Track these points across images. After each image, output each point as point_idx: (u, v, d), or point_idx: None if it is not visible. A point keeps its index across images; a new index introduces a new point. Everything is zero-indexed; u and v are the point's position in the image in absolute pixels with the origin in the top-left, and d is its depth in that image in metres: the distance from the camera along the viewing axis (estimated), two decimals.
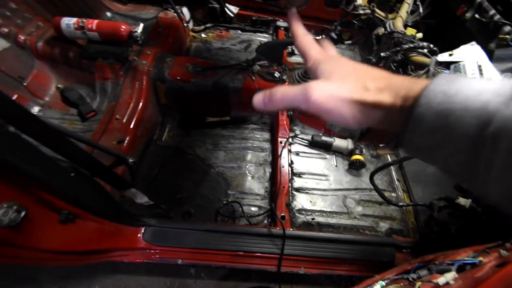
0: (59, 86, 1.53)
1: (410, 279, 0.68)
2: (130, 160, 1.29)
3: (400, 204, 1.13)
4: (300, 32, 0.42)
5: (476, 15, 1.21)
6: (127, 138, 1.36)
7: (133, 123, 1.40)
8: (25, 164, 0.63)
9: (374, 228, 1.29)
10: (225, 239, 1.15)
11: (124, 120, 1.40)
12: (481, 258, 0.62)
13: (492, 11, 1.15)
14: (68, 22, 1.37)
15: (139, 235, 1.13)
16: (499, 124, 0.22)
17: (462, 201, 0.95)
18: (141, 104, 1.46)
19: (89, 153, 0.89)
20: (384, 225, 1.30)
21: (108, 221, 1.01)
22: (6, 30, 1.35)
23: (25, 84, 1.42)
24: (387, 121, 0.31)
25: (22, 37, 1.40)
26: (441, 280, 0.59)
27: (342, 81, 0.33)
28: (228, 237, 1.15)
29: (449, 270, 0.64)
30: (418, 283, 0.61)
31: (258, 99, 0.37)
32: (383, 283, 0.68)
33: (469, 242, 0.81)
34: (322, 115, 0.33)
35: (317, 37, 0.42)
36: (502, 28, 1.08)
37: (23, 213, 0.68)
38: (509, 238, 0.69)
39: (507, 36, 1.03)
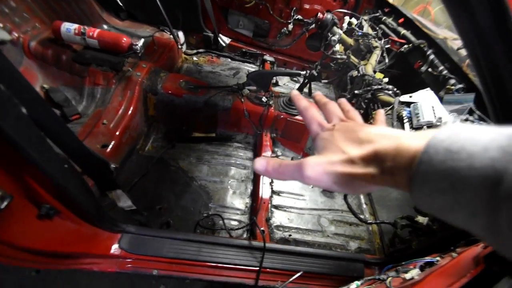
0: (45, 86, 1.50)
1: (381, 279, 0.76)
2: (112, 165, 1.28)
3: (369, 221, 1.25)
4: (303, 106, 0.44)
5: (429, 69, 1.50)
6: (112, 143, 1.35)
7: (119, 129, 1.41)
8: (28, 146, 0.64)
9: (345, 246, 1.38)
10: (204, 250, 1.15)
11: (111, 126, 1.40)
12: (438, 258, 0.73)
13: (441, 67, 1.43)
14: (69, 27, 1.41)
15: (115, 242, 1.09)
16: (511, 184, 0.20)
17: (420, 219, 1.09)
18: (130, 111, 1.48)
19: (86, 148, 0.90)
20: (353, 244, 1.39)
21: (87, 223, 0.98)
22: (1, 25, 1.34)
23: None
24: (386, 184, 0.30)
25: (16, 34, 1.40)
26: (408, 276, 0.69)
27: (330, 157, 0.34)
28: (208, 247, 1.15)
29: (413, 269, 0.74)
30: (389, 279, 0.69)
31: (261, 164, 0.38)
32: (358, 283, 0.76)
33: (427, 255, 0.94)
34: (319, 187, 0.37)
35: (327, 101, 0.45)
36: (449, 80, 1.36)
37: (7, 201, 0.66)
38: (458, 245, 0.82)
39: (453, 87, 1.29)
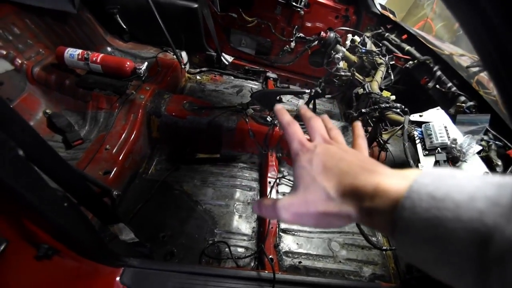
0: (47, 111, 1.49)
1: None
2: (115, 192, 1.23)
3: (383, 248, 1.19)
4: (286, 121, 0.40)
5: (437, 86, 1.47)
6: (115, 169, 1.32)
7: (122, 154, 1.38)
8: (25, 190, 0.60)
9: (358, 273, 1.31)
10: (211, 283, 1.09)
11: (114, 151, 1.37)
12: None
13: (450, 84, 1.40)
14: (73, 52, 1.41)
15: (117, 277, 1.04)
16: (503, 245, 0.18)
17: None
18: (133, 135, 1.45)
19: (84, 180, 0.86)
20: (367, 270, 1.32)
21: (87, 259, 0.93)
22: (4, 52, 1.35)
23: (11, 106, 1.37)
24: (363, 224, 0.30)
25: (19, 61, 1.40)
26: None
27: (304, 192, 0.32)
28: (214, 280, 1.09)
29: None
30: None
31: (256, 207, 0.39)
32: None
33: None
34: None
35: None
36: (458, 97, 1.32)
37: (2, 246, 0.62)
38: None
39: (463, 105, 1.25)
